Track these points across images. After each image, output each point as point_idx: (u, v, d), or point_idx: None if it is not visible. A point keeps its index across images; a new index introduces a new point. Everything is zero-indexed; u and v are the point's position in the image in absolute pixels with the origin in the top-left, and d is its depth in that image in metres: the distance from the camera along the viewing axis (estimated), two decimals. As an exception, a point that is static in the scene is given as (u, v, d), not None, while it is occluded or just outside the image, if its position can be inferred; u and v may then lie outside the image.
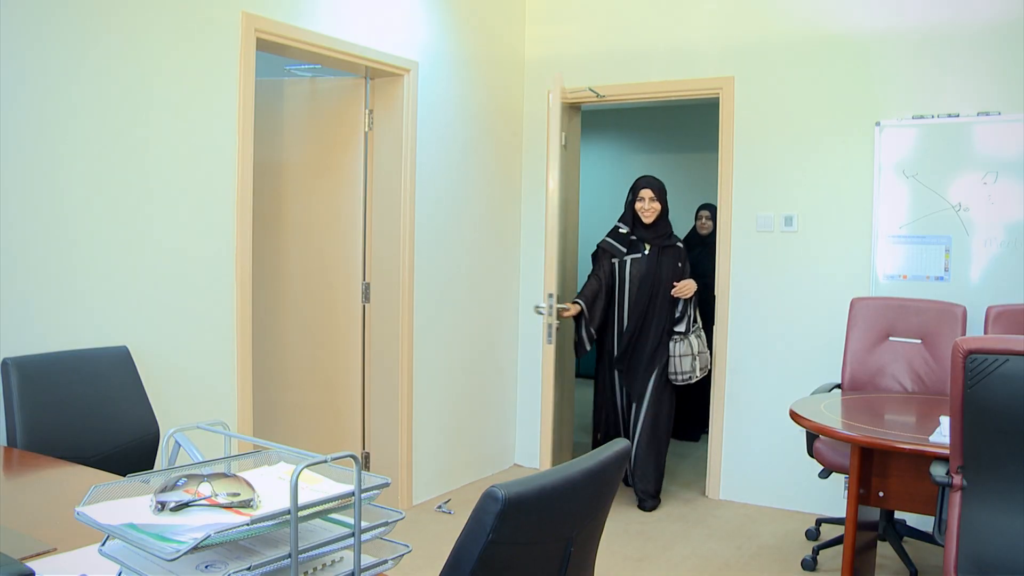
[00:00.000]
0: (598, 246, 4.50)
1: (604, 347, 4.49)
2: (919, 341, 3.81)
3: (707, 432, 4.73)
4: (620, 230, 4.44)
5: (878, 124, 4.13)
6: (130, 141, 2.99)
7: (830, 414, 3.10)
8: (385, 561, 1.23)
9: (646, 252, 4.34)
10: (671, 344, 4.33)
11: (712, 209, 5.65)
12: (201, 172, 3.24)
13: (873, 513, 3.36)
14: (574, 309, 4.39)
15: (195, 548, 1.03)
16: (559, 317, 4.28)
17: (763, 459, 4.47)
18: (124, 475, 1.31)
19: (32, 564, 1.34)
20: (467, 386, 4.77)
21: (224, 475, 1.17)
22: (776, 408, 4.22)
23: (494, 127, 4.88)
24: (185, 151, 3.18)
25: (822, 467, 3.54)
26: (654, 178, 4.46)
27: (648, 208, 4.36)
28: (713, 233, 5.41)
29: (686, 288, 4.32)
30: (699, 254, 5.37)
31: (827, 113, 4.26)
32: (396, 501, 4.27)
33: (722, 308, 4.55)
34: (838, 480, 3.88)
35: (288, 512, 1.08)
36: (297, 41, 3.60)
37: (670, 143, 8.12)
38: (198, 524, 1.08)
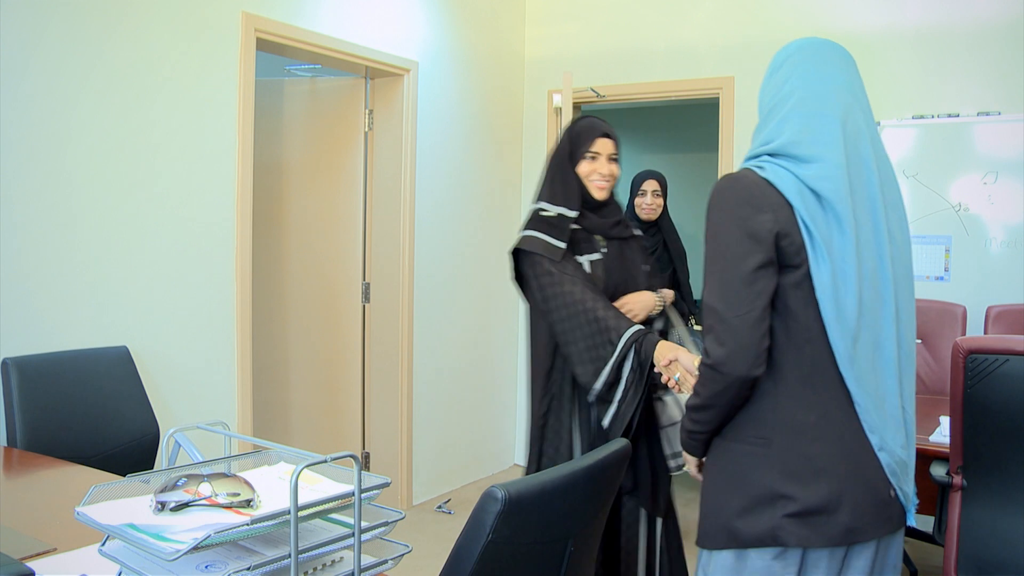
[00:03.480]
0: (525, 249, 2.39)
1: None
2: (919, 341, 3.81)
3: None
4: (548, 214, 2.41)
5: (878, 124, 4.12)
6: (130, 141, 2.99)
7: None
8: (385, 561, 1.23)
9: (603, 250, 2.48)
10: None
11: (662, 182, 3.91)
12: (201, 172, 3.24)
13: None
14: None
15: (195, 548, 1.03)
16: None
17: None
18: (124, 475, 1.31)
19: (32, 564, 1.34)
20: (467, 386, 4.77)
21: (224, 475, 1.17)
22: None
23: (494, 127, 4.88)
24: (185, 151, 3.18)
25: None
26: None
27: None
28: (666, 215, 3.96)
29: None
30: (655, 248, 3.94)
31: (827, 113, 4.26)
32: (396, 501, 4.27)
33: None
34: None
35: (288, 512, 1.08)
36: (297, 41, 3.60)
37: (670, 143, 8.12)
38: (198, 524, 1.08)
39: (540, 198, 2.48)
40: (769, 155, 1.51)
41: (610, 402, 2.25)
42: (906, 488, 1.51)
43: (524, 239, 2.41)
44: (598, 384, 2.24)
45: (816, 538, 1.44)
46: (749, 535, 1.47)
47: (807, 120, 1.48)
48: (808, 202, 1.43)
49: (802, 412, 1.47)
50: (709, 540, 1.55)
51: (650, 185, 3.84)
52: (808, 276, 1.44)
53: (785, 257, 1.45)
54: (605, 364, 2.22)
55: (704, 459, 1.66)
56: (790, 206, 1.44)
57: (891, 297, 1.47)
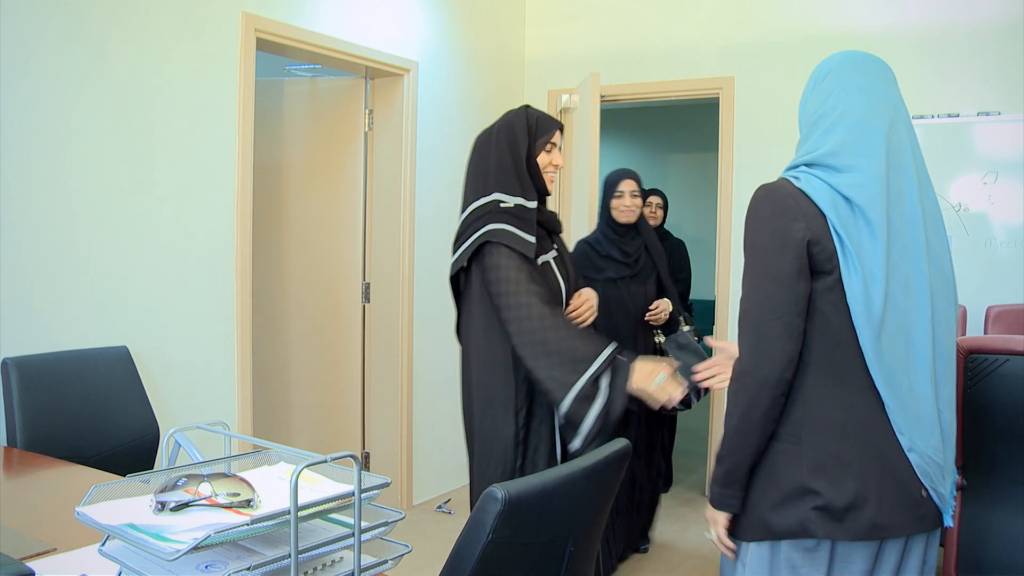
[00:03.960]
0: (496, 242, 2.26)
1: None
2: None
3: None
4: (507, 206, 2.28)
5: (878, 124, 4.13)
6: (130, 141, 2.99)
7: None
8: (385, 561, 1.23)
9: (555, 247, 2.44)
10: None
11: (640, 182, 3.60)
12: (201, 172, 3.24)
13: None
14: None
15: (195, 548, 1.03)
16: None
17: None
18: (124, 475, 1.31)
19: (32, 564, 1.34)
20: (467, 386, 4.76)
21: (224, 475, 1.17)
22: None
23: (494, 127, 4.87)
24: (185, 151, 3.18)
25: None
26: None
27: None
28: (642, 217, 3.66)
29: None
30: (638, 254, 3.63)
31: (827, 113, 4.26)
32: (396, 501, 4.27)
33: (722, 312, 4.55)
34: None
35: (288, 512, 1.08)
36: (297, 41, 3.60)
37: (670, 143, 8.13)
38: (198, 524, 1.08)
39: (491, 189, 2.25)
40: (806, 166, 1.58)
41: (581, 421, 2.09)
42: (941, 489, 1.54)
43: (495, 232, 2.19)
44: (568, 399, 2.08)
45: (841, 532, 1.50)
46: (780, 527, 1.54)
47: (852, 131, 1.57)
48: (840, 210, 1.51)
49: (832, 411, 1.53)
50: (746, 533, 1.61)
51: (627, 185, 3.49)
52: (839, 282, 1.51)
53: (817, 264, 1.52)
54: (579, 378, 2.08)
55: (735, 515, 1.62)
56: (823, 215, 1.51)
57: (927, 303, 1.54)
